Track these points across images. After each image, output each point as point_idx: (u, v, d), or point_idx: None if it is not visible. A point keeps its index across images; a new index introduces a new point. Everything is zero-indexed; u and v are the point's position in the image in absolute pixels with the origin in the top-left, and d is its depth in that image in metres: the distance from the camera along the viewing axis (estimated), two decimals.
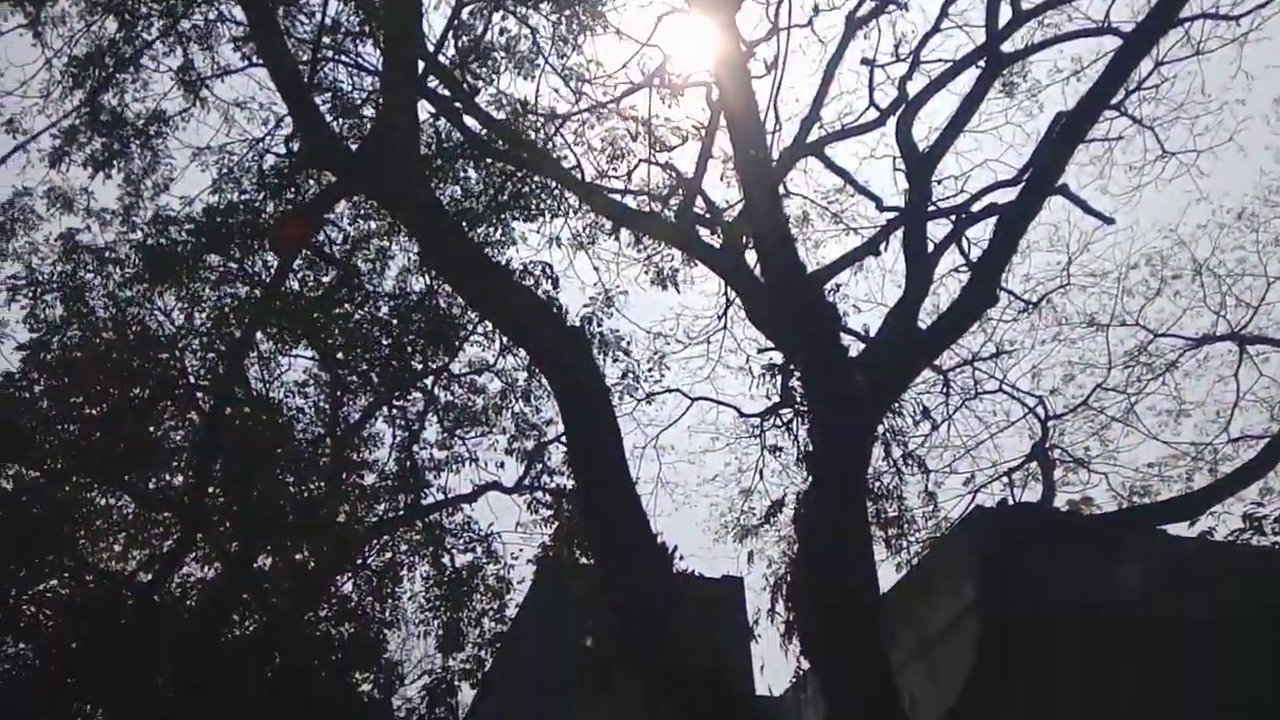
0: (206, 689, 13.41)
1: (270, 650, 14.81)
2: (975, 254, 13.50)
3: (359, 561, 18.12)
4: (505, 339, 17.41)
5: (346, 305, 16.14)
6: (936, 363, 15.21)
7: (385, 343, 16.97)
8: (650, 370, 17.12)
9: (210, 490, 16.16)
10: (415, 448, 19.78)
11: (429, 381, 19.38)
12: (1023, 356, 17.82)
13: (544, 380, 16.53)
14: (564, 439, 16.98)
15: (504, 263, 15.13)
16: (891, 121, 14.01)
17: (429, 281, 16.67)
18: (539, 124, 16.10)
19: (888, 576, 19.40)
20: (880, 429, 13.70)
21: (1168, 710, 12.91)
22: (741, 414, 16.53)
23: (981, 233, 13.30)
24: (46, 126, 13.87)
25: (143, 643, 14.16)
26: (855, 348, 12.98)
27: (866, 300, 25.03)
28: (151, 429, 16.03)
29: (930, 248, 12.86)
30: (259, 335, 15.74)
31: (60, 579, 16.37)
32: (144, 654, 14.19)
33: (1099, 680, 18.03)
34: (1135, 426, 16.23)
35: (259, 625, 16.34)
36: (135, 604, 14.46)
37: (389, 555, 19.48)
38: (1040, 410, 15.83)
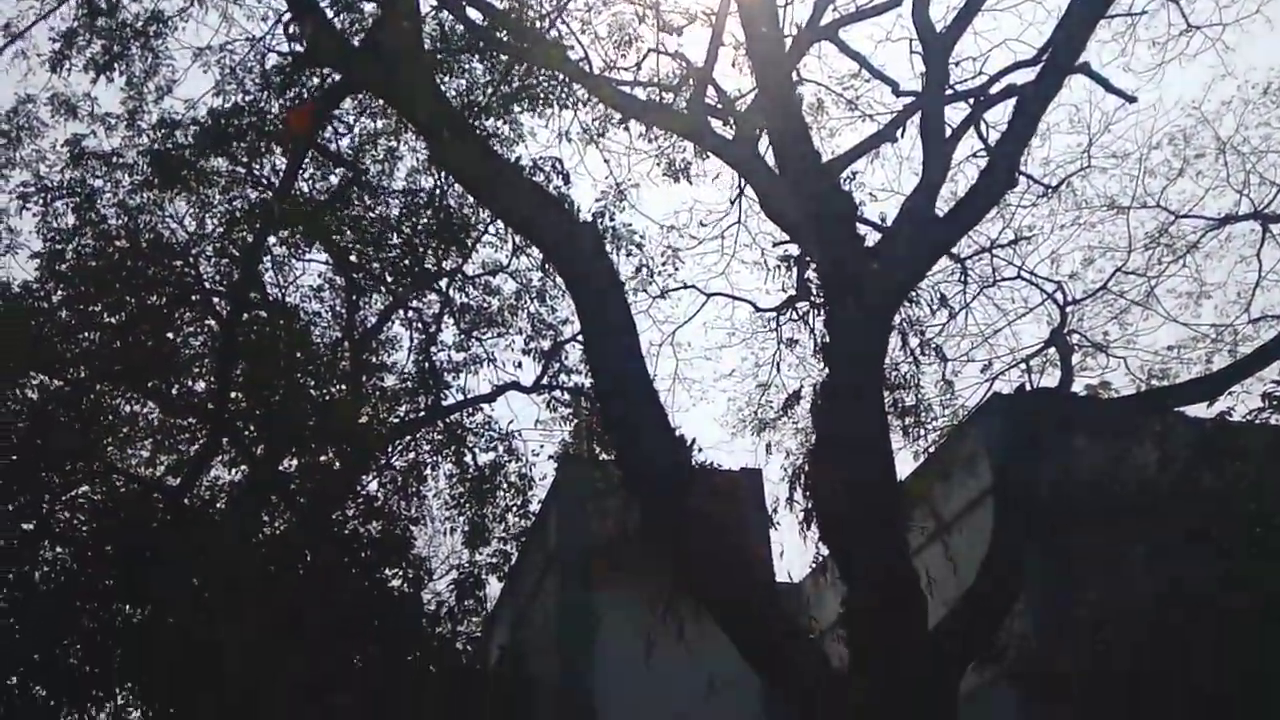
0: (240, 587, 13.78)
1: (300, 549, 15.14)
2: (994, 139, 13.23)
3: (383, 462, 18.42)
4: (518, 238, 17.33)
5: (356, 203, 16.03)
6: (954, 250, 15.05)
7: (397, 241, 16.91)
8: (664, 265, 17.02)
9: (233, 395, 16.36)
10: (433, 350, 19.94)
11: (444, 284, 19.40)
12: (1041, 242, 17.63)
13: (558, 279, 16.50)
14: (580, 337, 17.04)
15: (513, 159, 14.93)
16: (908, 1, 13.58)
17: (438, 181, 16.53)
18: (543, 13, 15.72)
19: (905, 465, 19.62)
20: (897, 318, 13.64)
21: (1184, 586, 13.08)
22: (757, 308, 16.45)
23: (1000, 116, 12.99)
24: (38, 18, 13.52)
25: (175, 544, 14.51)
26: (872, 237, 12.83)
27: (883, 189, 24.63)
28: (170, 336, 16.14)
29: (948, 133, 12.59)
30: (271, 239, 15.72)
31: (91, 485, 16.74)
32: (177, 555, 14.57)
33: (1115, 558, 18.33)
34: (1155, 310, 16.11)
35: (288, 525, 16.69)
36: (165, 507, 14.75)
37: (412, 455, 19.80)
38: (1059, 296, 15.66)
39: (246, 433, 16.64)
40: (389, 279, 17.84)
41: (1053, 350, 15.39)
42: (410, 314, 19.83)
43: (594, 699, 18.03)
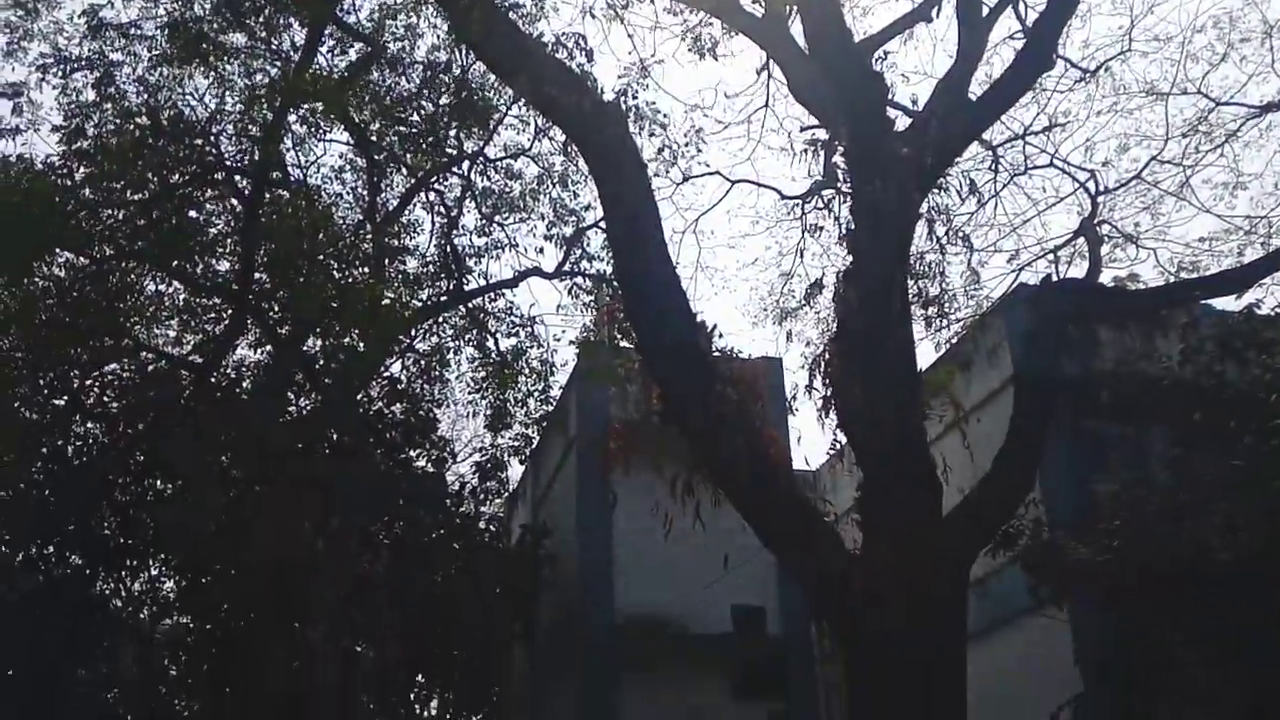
0: (267, 464, 14.08)
1: (326, 427, 15.39)
2: (1033, 19, 12.77)
3: (406, 345, 18.55)
4: (540, 120, 17.03)
5: (376, 79, 15.73)
6: (986, 138, 14.70)
7: (417, 119, 16.67)
8: (687, 145, 16.72)
9: (256, 276, 16.42)
10: (454, 234, 19.87)
11: (465, 166, 19.21)
12: (1076, 129, 17.17)
13: (581, 164, 16.27)
14: (602, 223, 16.89)
15: (535, 36, 14.57)
16: None
17: (459, 58, 16.18)
18: None
19: (927, 355, 19.60)
20: (925, 206, 13.43)
21: (1202, 472, 13.14)
22: (783, 196, 16.20)
23: None
24: None
25: (203, 421, 14.78)
26: (902, 122, 12.53)
27: (916, 72, 24.02)
28: (193, 214, 16.13)
29: (985, 12, 12.17)
30: (291, 117, 15.53)
31: (120, 362, 17.00)
32: (206, 431, 14.86)
33: (1134, 450, 18.41)
34: (1189, 200, 15.73)
35: (313, 405, 16.96)
36: (193, 384, 14.98)
37: (435, 339, 19.93)
38: (1091, 185, 15.30)
39: (270, 313, 16.75)
40: (410, 159, 17.65)
41: (1082, 241, 15.15)
42: (432, 197, 19.72)
43: (612, 576, 18.51)
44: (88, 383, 16.85)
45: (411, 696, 26.39)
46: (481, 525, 23.12)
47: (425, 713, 28.26)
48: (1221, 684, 10.62)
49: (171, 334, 18.28)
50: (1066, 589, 13.42)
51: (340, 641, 14.41)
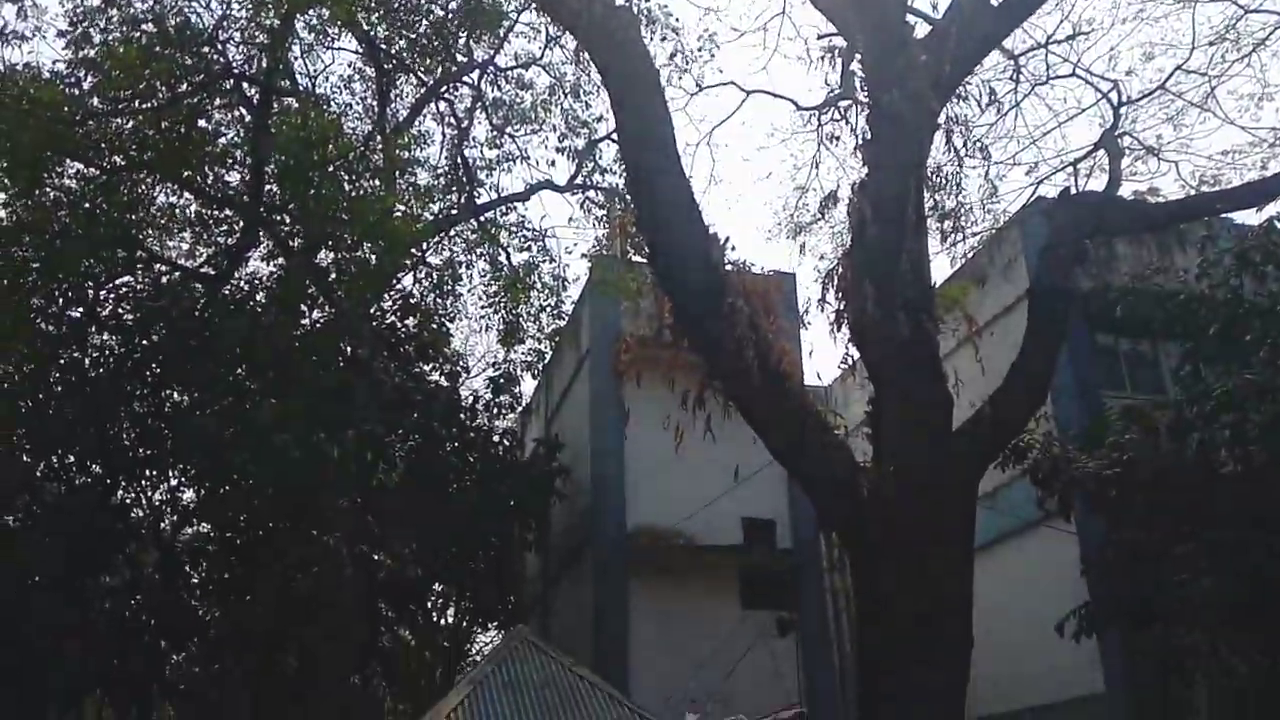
0: (281, 375, 14.19)
1: (339, 340, 15.44)
2: None
3: (418, 258, 18.50)
4: (551, 28, 16.70)
5: None
6: (1006, 46, 14.36)
7: (426, 25, 16.34)
8: (700, 51, 16.38)
9: (267, 188, 16.32)
10: (465, 146, 19.64)
11: (476, 76, 18.90)
12: (1099, 37, 16.73)
13: (593, 74, 15.99)
14: (614, 134, 16.67)
15: None
16: None
17: None
18: None
19: (941, 271, 19.46)
20: (943, 116, 13.21)
21: (1213, 386, 13.13)
22: (799, 107, 15.95)
23: None
24: None
25: (219, 332, 14.85)
26: (921, 29, 12.26)
27: None
28: (202, 124, 15.97)
29: None
30: (299, 23, 15.25)
31: (134, 274, 17.03)
32: (222, 343, 14.95)
33: (1147, 363, 18.37)
34: (1213, 111, 15.40)
35: (327, 318, 16.98)
36: (206, 296, 15.02)
37: (447, 254, 19.86)
38: (1113, 95, 14.98)
39: (282, 226, 16.69)
40: (419, 67, 17.36)
41: (1102, 154, 14.90)
42: (442, 108, 19.46)
43: (624, 488, 18.73)
44: (103, 295, 16.90)
45: (429, 605, 27.04)
46: (495, 439, 23.37)
47: (442, 620, 28.99)
48: (1224, 591, 10.75)
49: (185, 246, 18.28)
50: (1074, 501, 13.51)
51: (357, 548, 14.67)
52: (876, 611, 12.23)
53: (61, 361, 16.72)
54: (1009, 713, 17.64)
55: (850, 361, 15.16)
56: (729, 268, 12.37)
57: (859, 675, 13.97)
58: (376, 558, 15.59)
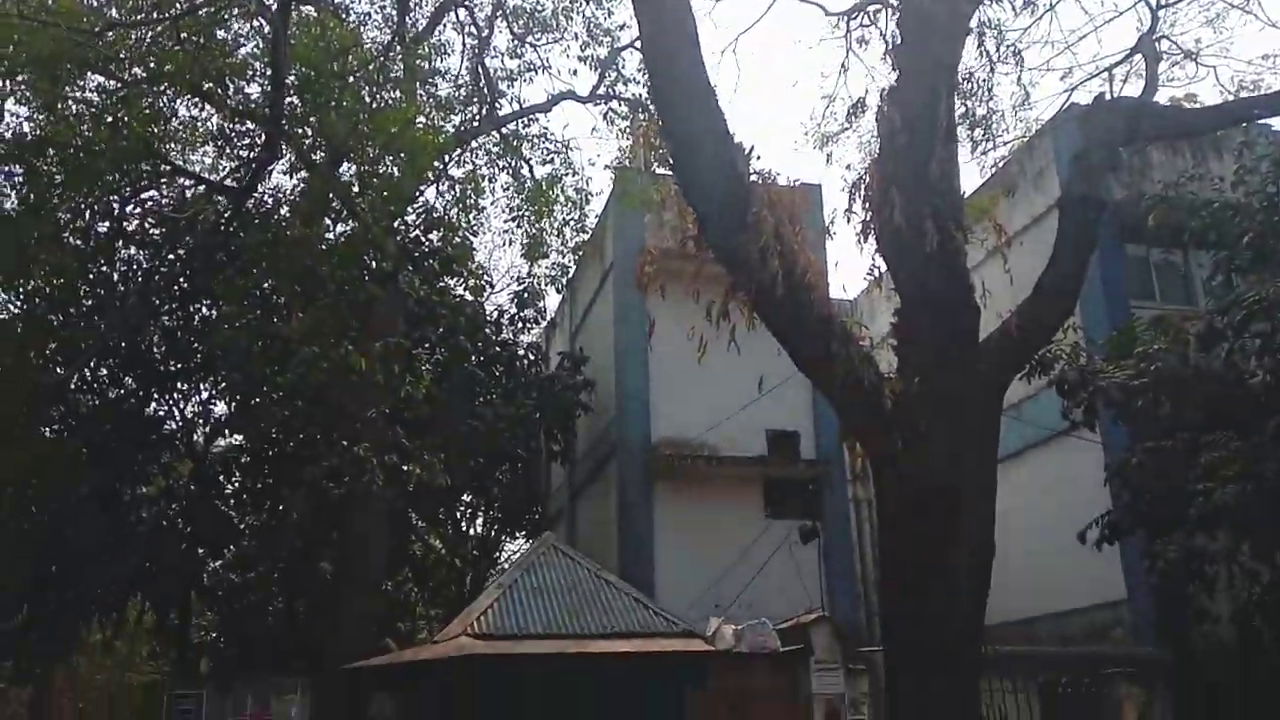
0: (304, 286, 14.27)
1: (363, 253, 15.45)
2: None
3: (440, 171, 18.39)
4: None
5: None
6: None
7: None
8: None
9: (288, 100, 16.17)
10: (486, 56, 19.36)
11: None
12: None
13: None
14: (637, 42, 16.36)
15: None
16: None
17: None
18: None
19: (971, 180, 19.15)
20: (975, 19, 12.89)
21: (1244, 295, 12.99)
22: (827, 12, 15.57)
23: None
24: None
25: (243, 246, 14.90)
26: None
27: None
28: (221, 34, 15.77)
29: None
30: None
31: (158, 188, 17.04)
32: (247, 256, 15.01)
33: (1178, 269, 18.13)
34: (1255, 13, 14.96)
35: (350, 232, 16.98)
36: (230, 210, 15.01)
37: (469, 166, 19.72)
38: None
39: (303, 138, 16.58)
40: None
41: (1139, 58, 14.52)
42: (462, 16, 19.14)
43: (648, 400, 18.85)
44: (128, 209, 16.95)
45: (458, 515, 27.57)
46: (520, 353, 23.52)
47: (471, 530, 29.59)
48: (1248, 497, 10.78)
49: (207, 160, 18.24)
50: (1099, 411, 13.51)
51: (386, 458, 14.91)
52: (899, 521, 12.38)
53: (90, 276, 16.86)
54: (1027, 619, 17.94)
55: (877, 273, 15.07)
56: (754, 178, 12.22)
57: (880, 583, 14.22)
58: (406, 468, 15.85)
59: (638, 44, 15.97)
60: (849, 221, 13.98)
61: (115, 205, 16.16)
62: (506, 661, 11.40)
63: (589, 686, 11.86)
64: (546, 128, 20.26)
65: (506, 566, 18.70)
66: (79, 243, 16.38)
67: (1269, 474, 10.84)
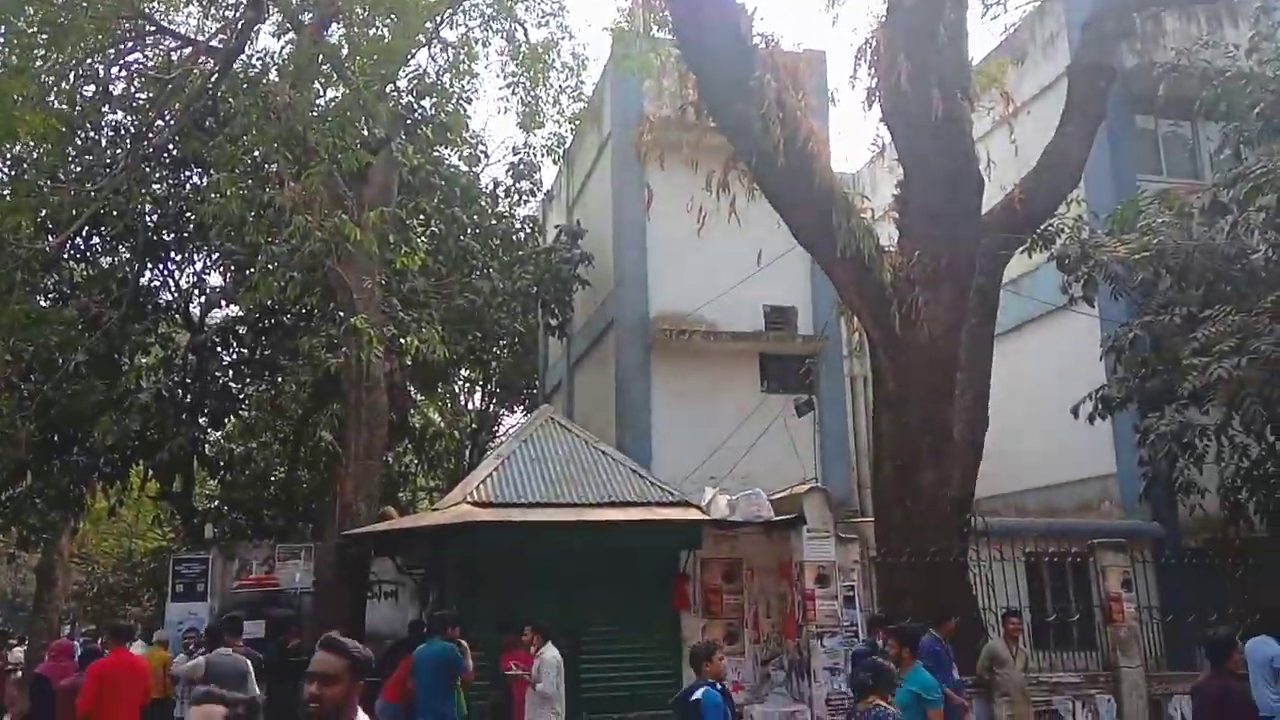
0: (295, 153, 13.99)
1: (355, 119, 15.09)
2: None
3: (433, 32, 17.81)
4: None
5: None
6: None
7: None
8: None
9: None
10: None
11: None
12: None
13: None
14: None
15: None
16: None
17: None
18: None
19: (980, 47, 18.56)
20: None
21: (1252, 167, 12.76)
22: None
23: None
24: None
25: (230, 112, 14.53)
26: None
27: None
28: None
29: None
30: None
31: (143, 50, 16.52)
32: (234, 122, 14.66)
33: (1187, 141, 17.80)
34: None
35: (341, 97, 16.56)
36: (218, 73, 14.56)
37: (462, 29, 19.09)
38: None
39: None
40: None
41: None
42: None
43: (646, 273, 18.73)
44: (114, 72, 16.47)
45: (456, 388, 27.78)
46: (517, 226, 23.26)
47: (469, 404, 29.88)
48: (1242, 371, 10.81)
49: (193, 21, 17.66)
50: (1099, 285, 13.44)
51: (383, 330, 14.88)
52: (894, 394, 12.47)
53: (78, 142, 16.51)
54: (1015, 492, 18.26)
55: (880, 144, 14.83)
56: (757, 41, 11.87)
57: (873, 457, 14.41)
58: (403, 341, 15.83)
59: None
60: (854, 88, 13.62)
61: (100, 68, 15.70)
62: (505, 528, 11.60)
63: (586, 554, 12.11)
64: None
65: (505, 439, 18.90)
66: (64, 106, 15.97)
67: (1264, 348, 10.84)
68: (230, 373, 19.13)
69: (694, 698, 6.88)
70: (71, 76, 14.97)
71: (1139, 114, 17.40)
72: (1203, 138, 17.45)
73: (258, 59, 17.45)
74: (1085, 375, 15.27)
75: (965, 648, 10.51)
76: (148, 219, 17.50)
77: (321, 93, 15.67)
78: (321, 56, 14.69)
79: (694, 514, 12.23)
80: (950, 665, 9.74)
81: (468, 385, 29.22)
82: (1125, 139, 16.95)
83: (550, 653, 10.06)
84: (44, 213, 15.73)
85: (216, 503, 20.39)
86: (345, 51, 15.04)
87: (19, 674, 15.54)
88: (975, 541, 12.88)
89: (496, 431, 28.65)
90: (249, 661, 9.76)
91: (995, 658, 10.50)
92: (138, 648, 15.34)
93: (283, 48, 16.75)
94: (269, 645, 13.59)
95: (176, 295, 19.17)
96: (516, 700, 10.43)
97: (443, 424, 26.08)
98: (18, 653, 20.58)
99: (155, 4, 16.20)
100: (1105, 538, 13.25)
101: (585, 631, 11.98)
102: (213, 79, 15.16)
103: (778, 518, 12.28)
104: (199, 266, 19.35)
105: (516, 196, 23.11)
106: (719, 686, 7.04)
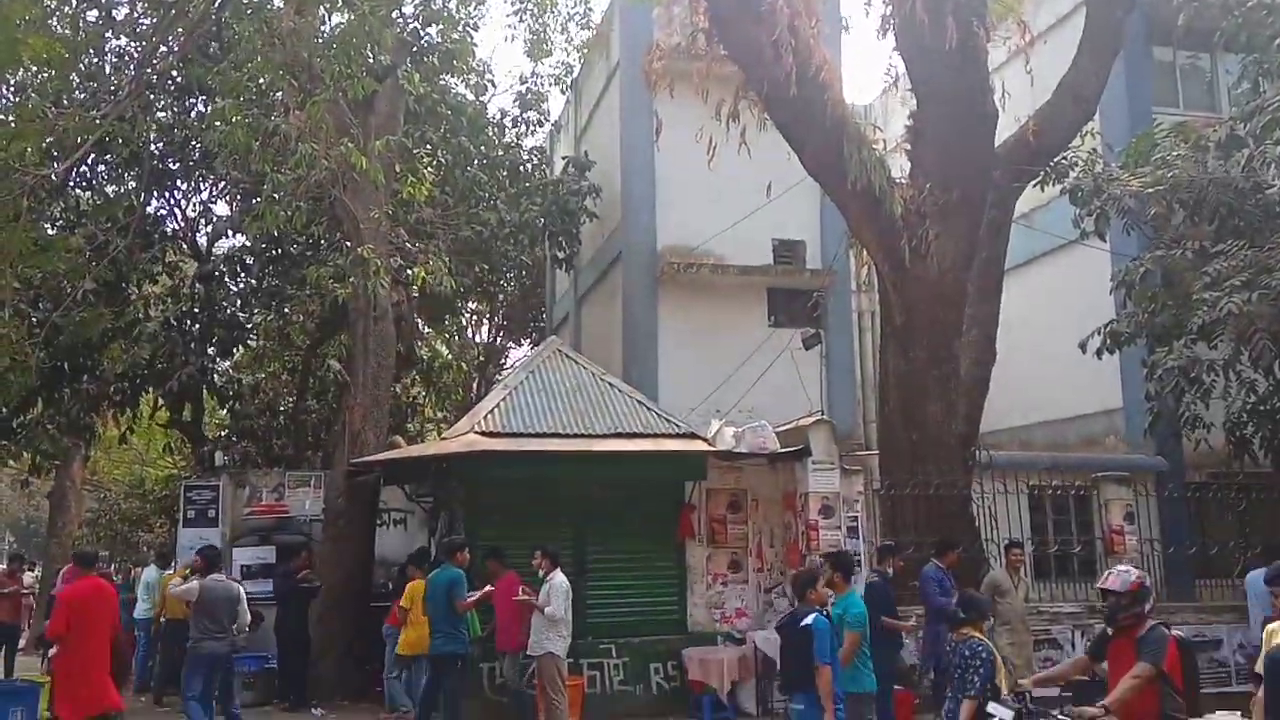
0: (300, 81, 13.83)
1: (360, 46, 14.89)
2: None
3: None
4: None
5: None
6: None
7: None
8: None
9: None
10: None
11: None
12: None
13: None
14: None
15: None
16: None
17: None
18: None
19: None
20: None
21: (1270, 100, 12.57)
22: None
23: None
24: None
25: (233, 38, 14.32)
26: None
27: None
28: None
29: None
30: None
31: None
32: (239, 48, 14.45)
33: (1205, 74, 17.49)
34: None
35: (346, 24, 16.31)
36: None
37: None
38: None
39: None
40: None
41: None
42: None
43: (655, 205, 18.63)
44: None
45: (463, 321, 27.79)
46: (524, 157, 23.05)
47: (476, 336, 29.92)
48: (1253, 306, 10.78)
49: None
50: (1110, 219, 13.33)
51: (390, 260, 14.85)
52: (902, 328, 12.47)
53: (81, 68, 16.29)
54: (1021, 426, 18.34)
55: (894, 74, 14.60)
56: None
57: (880, 391, 14.46)
58: (410, 271, 15.79)
59: None
60: (867, 15, 13.45)
61: None
62: (513, 458, 11.69)
63: (593, 484, 12.22)
64: None
65: (512, 371, 18.96)
66: (68, 31, 15.76)
67: (1276, 284, 10.78)
68: (238, 302, 19.13)
69: (805, 623, 6.97)
70: (74, 1, 14.78)
71: (1156, 45, 17.10)
72: (1221, 70, 17.15)
73: None
74: (1095, 310, 15.22)
75: (967, 578, 10.65)
76: (153, 147, 17.35)
77: (326, 19, 15.42)
78: None
79: (700, 445, 12.30)
80: (952, 593, 9.88)
81: (475, 318, 29.23)
82: (1142, 70, 16.69)
83: (559, 578, 10.25)
84: (49, 139, 15.62)
85: (226, 431, 20.54)
86: None
87: (33, 597, 15.83)
88: (980, 474, 12.98)
89: (504, 364, 28.72)
90: (240, 587, 10.29)
91: (996, 587, 10.65)
92: (151, 572, 15.64)
93: None
94: (279, 570, 13.84)
95: (183, 224, 19.09)
96: (500, 623, 10.68)
97: (450, 356, 26.16)
98: (29, 577, 20.95)
99: None
100: (1109, 471, 13.36)
101: (591, 558, 12.15)
102: (216, 4, 14.93)
103: (783, 449, 12.36)
104: (205, 195, 19.25)
105: (524, 127, 22.90)
106: (825, 613, 7.15)
